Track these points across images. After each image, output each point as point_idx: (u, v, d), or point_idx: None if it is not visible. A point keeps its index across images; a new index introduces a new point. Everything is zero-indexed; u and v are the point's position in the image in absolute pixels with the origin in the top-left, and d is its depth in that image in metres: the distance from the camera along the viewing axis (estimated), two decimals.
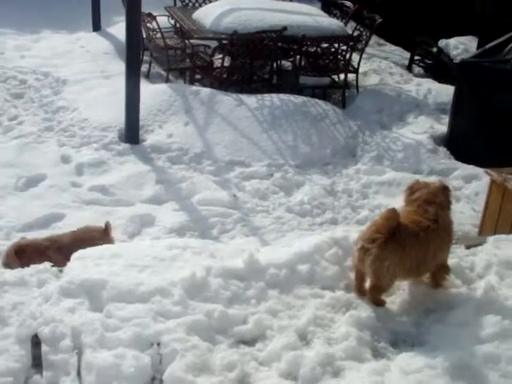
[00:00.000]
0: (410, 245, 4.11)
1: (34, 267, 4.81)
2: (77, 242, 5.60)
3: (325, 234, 4.99)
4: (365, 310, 4.12)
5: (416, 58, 12.22)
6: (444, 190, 4.46)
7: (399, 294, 4.37)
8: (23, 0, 13.58)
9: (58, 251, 5.58)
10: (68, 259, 5.17)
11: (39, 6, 13.40)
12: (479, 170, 7.64)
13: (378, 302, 4.19)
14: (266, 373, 3.63)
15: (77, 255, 4.90)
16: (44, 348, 3.69)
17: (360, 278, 4.29)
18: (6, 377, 3.44)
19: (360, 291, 4.28)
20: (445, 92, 10.15)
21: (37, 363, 3.65)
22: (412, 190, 4.53)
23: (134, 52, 8.03)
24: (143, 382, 3.53)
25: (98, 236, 5.73)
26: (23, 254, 5.50)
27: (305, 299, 4.23)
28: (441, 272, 4.40)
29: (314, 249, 4.57)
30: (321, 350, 3.73)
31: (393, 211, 4.14)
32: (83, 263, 4.49)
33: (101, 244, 5.45)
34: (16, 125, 8.54)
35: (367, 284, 4.27)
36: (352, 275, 4.38)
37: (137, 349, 3.67)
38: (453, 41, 11.50)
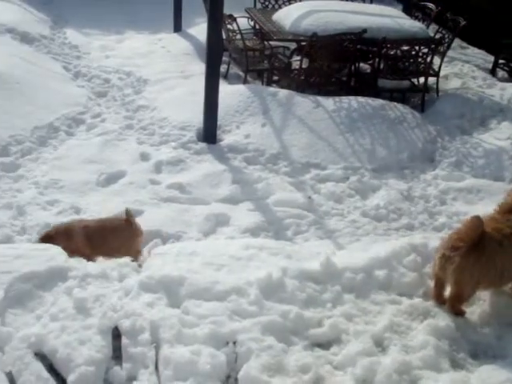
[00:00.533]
0: (493, 253, 4.03)
1: (115, 261, 4.92)
2: (101, 230, 5.71)
3: (402, 239, 4.95)
4: (443, 319, 4.07)
5: (500, 61, 11.85)
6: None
7: (480, 305, 4.28)
8: (108, 2, 13.87)
9: (84, 236, 5.62)
10: (91, 245, 5.45)
11: (123, 8, 13.67)
12: None
13: (457, 312, 4.12)
14: (341, 377, 3.62)
15: (157, 251, 5.01)
16: (124, 340, 3.77)
17: (439, 286, 4.22)
18: (89, 366, 3.52)
19: (439, 299, 4.22)
20: None
21: (117, 355, 3.73)
22: (509, 194, 4.46)
23: (215, 53, 8.08)
24: (218, 380, 3.56)
25: (122, 227, 5.77)
26: (50, 241, 5.59)
27: (381, 305, 4.22)
28: None
29: (391, 254, 4.55)
30: (397, 357, 3.70)
31: (477, 219, 4.06)
32: (163, 259, 4.57)
33: (125, 234, 5.67)
34: (99, 122, 8.71)
35: (447, 292, 4.20)
36: (431, 283, 4.32)
37: (213, 346, 3.72)
38: None
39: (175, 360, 3.59)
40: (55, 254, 4.52)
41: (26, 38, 10.98)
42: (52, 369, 3.57)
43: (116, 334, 3.82)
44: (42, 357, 3.62)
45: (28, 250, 4.53)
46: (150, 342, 3.75)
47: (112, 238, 5.62)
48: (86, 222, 5.78)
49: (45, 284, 4.13)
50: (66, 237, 5.41)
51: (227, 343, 3.76)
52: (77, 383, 3.46)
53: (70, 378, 3.48)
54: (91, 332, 3.76)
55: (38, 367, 3.53)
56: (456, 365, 3.75)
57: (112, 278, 4.42)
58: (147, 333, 3.79)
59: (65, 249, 5.04)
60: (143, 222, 6.28)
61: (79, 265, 4.46)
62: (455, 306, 4.13)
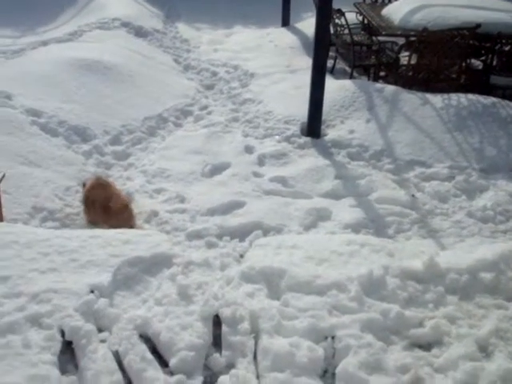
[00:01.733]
0: None
1: (217, 251, 4.98)
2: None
3: (511, 242, 4.80)
4: None
5: None
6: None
7: None
8: None
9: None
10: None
11: (233, 3, 13.86)
12: None
13: None
14: (441, 380, 3.56)
15: (258, 243, 5.03)
16: (224, 328, 3.82)
17: None
18: (190, 351, 3.59)
19: None
20: None
21: (216, 342, 3.78)
22: None
23: (322, 47, 8.03)
24: (315, 374, 3.56)
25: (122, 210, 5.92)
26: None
27: (487, 309, 4.11)
28: None
29: (499, 257, 4.44)
30: (503, 364, 3.60)
31: None
32: (264, 251, 4.58)
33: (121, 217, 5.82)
34: (206, 114, 8.83)
35: None
36: None
37: (311, 340, 3.72)
38: None
39: (274, 351, 3.60)
40: (160, 240, 4.61)
41: (140, 32, 11.30)
42: (155, 351, 3.66)
43: (216, 322, 3.88)
44: (146, 339, 3.71)
45: (134, 235, 4.64)
46: (249, 331, 3.79)
47: None
48: None
49: (150, 269, 4.22)
50: None
51: (326, 338, 3.75)
52: (178, 366, 3.52)
53: (172, 361, 3.55)
54: (193, 318, 3.82)
55: (143, 348, 3.62)
56: None
57: (214, 267, 4.49)
58: (247, 322, 3.83)
59: None
60: (246, 215, 6.35)
61: (183, 253, 4.52)
62: None
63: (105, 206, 5.79)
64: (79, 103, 8.17)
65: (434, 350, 3.78)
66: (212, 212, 6.47)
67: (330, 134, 8.13)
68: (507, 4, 10.49)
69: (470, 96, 8.80)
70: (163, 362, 3.60)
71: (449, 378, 3.56)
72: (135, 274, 4.14)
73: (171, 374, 3.50)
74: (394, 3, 10.46)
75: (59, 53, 9.25)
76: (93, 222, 5.97)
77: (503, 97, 9.15)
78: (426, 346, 3.82)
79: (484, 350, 3.77)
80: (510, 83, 9.62)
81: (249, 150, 7.82)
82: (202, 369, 3.59)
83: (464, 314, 4.04)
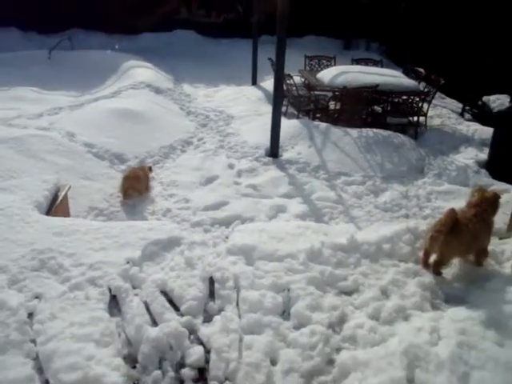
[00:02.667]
0: (463, 233, 3.96)
1: (210, 234, 4.96)
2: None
3: (401, 224, 4.88)
4: (428, 277, 4.03)
5: (466, 107, 11.69)
6: (493, 197, 4.28)
7: (452, 268, 4.20)
8: (209, 67, 14.08)
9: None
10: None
11: (219, 70, 13.86)
12: (509, 186, 7.23)
13: (438, 272, 4.05)
14: (358, 314, 3.63)
15: (238, 228, 5.05)
16: (216, 286, 3.82)
17: (427, 256, 4.15)
18: (194, 301, 3.62)
19: (426, 265, 4.15)
20: (486, 132, 9.58)
21: (212, 295, 3.78)
22: (472, 194, 4.39)
23: (279, 99, 8.09)
24: (277, 313, 3.59)
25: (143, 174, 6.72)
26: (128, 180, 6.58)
27: (387, 267, 4.18)
28: (482, 254, 4.22)
29: (394, 234, 4.51)
30: (396, 301, 3.69)
31: (452, 210, 4.00)
32: (242, 234, 4.59)
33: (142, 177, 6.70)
34: (202, 144, 8.82)
35: (431, 260, 4.13)
36: (421, 253, 4.25)
37: (274, 291, 3.75)
38: (492, 97, 10.99)
39: (249, 299, 3.63)
40: (173, 228, 4.59)
41: (158, 90, 11.22)
42: (171, 301, 3.65)
43: (211, 282, 3.88)
44: (164, 293, 3.71)
45: (156, 225, 4.62)
46: (233, 287, 3.81)
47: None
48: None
49: (166, 247, 4.22)
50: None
51: (283, 290, 3.78)
52: (187, 311, 3.55)
53: (182, 307, 3.57)
54: (195, 279, 3.82)
55: (162, 300, 3.62)
56: (435, 307, 3.73)
57: (209, 245, 4.48)
58: (231, 281, 3.84)
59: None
60: (230, 210, 6.37)
61: (188, 236, 4.51)
62: (437, 269, 4.06)
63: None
64: (118, 138, 8.12)
65: (354, 295, 3.84)
66: (207, 208, 6.49)
67: (285, 155, 8.16)
68: (395, 72, 10.69)
69: (375, 130, 8.92)
70: (176, 308, 3.59)
71: (363, 312, 3.63)
72: (156, 250, 4.13)
73: (182, 315, 3.51)
74: (324, 70, 10.51)
75: (105, 105, 9.20)
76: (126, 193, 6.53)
77: (395, 130, 9.29)
78: (349, 293, 3.87)
79: (385, 293, 3.84)
80: (398, 122, 9.82)
81: (231, 166, 7.84)
82: (203, 312, 3.61)
83: (372, 271, 4.10)
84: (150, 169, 7.23)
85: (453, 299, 3.83)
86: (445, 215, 4.04)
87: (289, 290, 3.75)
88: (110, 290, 3.65)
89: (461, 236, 3.99)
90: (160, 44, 15.92)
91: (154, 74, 12.38)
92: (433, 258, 4.14)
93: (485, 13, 12.39)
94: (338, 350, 3.33)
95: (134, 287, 3.74)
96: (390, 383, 2.94)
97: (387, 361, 3.10)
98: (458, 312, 3.51)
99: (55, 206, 5.01)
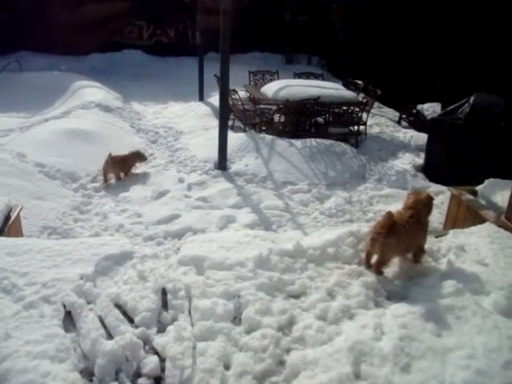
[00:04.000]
0: (400, 234, 4.08)
1: (162, 247, 4.92)
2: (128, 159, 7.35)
3: (345, 228, 4.97)
4: (370, 277, 4.09)
5: (403, 116, 12.16)
6: (427, 199, 4.42)
7: (392, 267, 4.31)
8: (158, 85, 14.00)
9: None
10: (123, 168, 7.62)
11: (167, 88, 13.82)
12: (444, 188, 7.51)
13: (379, 272, 4.15)
14: (306, 315, 3.65)
15: (188, 240, 5.01)
16: (169, 296, 3.79)
17: (369, 257, 4.26)
18: (147, 312, 3.56)
19: (368, 265, 4.25)
20: (422, 138, 10.00)
21: (164, 305, 3.74)
22: (408, 197, 4.52)
23: (225, 114, 8.16)
24: (229, 320, 3.58)
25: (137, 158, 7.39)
26: (114, 164, 7.65)
27: (331, 270, 4.22)
28: (419, 252, 4.35)
29: (337, 238, 4.55)
30: (342, 302, 3.73)
31: (389, 213, 4.13)
32: (192, 245, 4.57)
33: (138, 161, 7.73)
34: (152, 159, 8.77)
35: (373, 260, 4.24)
36: (363, 255, 4.34)
37: (225, 299, 3.73)
38: (426, 105, 11.51)
39: (201, 308, 3.61)
40: (125, 242, 4.51)
41: (107, 109, 11.08)
42: (125, 314, 3.60)
43: (163, 293, 3.83)
44: (118, 306, 3.64)
45: (108, 240, 4.54)
46: (185, 296, 3.78)
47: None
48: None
49: (119, 261, 4.15)
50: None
51: (234, 297, 3.78)
52: (141, 322, 3.49)
53: (137, 319, 3.52)
54: (148, 291, 3.77)
55: (117, 313, 3.56)
56: (378, 305, 3.79)
57: (161, 257, 4.43)
58: (183, 291, 3.81)
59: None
60: (181, 223, 6.34)
61: (140, 249, 4.47)
62: (378, 268, 4.16)
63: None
64: (69, 157, 7.99)
65: (302, 298, 3.85)
66: (159, 222, 6.45)
67: (233, 167, 8.22)
68: (336, 85, 10.99)
69: (318, 140, 9.12)
70: (131, 320, 3.54)
71: (311, 313, 3.65)
72: (109, 265, 4.06)
73: (136, 327, 3.48)
74: (267, 85, 10.69)
75: (56, 126, 9.02)
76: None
77: (337, 140, 9.54)
78: (297, 296, 3.88)
79: (331, 294, 3.87)
80: (340, 131, 10.08)
81: (181, 180, 7.83)
82: (157, 323, 3.57)
83: (318, 274, 4.13)
84: (142, 157, 7.89)
85: (394, 296, 3.91)
86: (383, 218, 4.17)
87: (239, 296, 3.75)
88: (64, 307, 3.57)
89: (399, 236, 4.11)
90: (108, 64, 15.75)
91: (104, 93, 12.20)
92: (374, 258, 4.26)
93: (416, 29, 12.96)
94: (288, 350, 3.35)
95: (88, 302, 3.66)
96: (338, 379, 2.99)
97: (335, 358, 3.16)
98: (400, 308, 3.59)
99: (7, 226, 4.87)
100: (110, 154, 7.41)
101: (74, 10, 15.46)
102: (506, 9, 10.67)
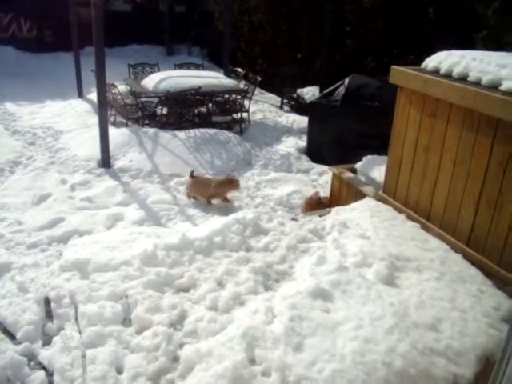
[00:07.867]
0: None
1: (45, 254, 4.62)
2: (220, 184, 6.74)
3: (230, 216, 4.99)
4: (258, 262, 4.15)
5: (284, 100, 12.39)
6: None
7: (279, 250, 4.38)
8: (32, 81, 13.03)
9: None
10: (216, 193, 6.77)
11: (43, 85, 12.90)
12: (326, 168, 7.76)
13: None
14: (197, 308, 3.63)
15: (71, 243, 4.77)
16: (52, 305, 3.60)
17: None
18: (30, 325, 3.39)
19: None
20: (303, 121, 10.31)
21: (49, 315, 3.57)
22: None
23: (104, 110, 7.80)
24: (118, 322, 3.47)
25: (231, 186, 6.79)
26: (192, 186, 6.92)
27: (220, 259, 4.24)
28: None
29: (223, 226, 4.59)
30: (231, 290, 3.75)
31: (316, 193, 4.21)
32: (74, 248, 4.36)
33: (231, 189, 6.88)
34: (31, 162, 8.10)
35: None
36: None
37: (112, 301, 3.62)
38: (305, 89, 11.78)
39: (88, 313, 3.46)
40: (1, 254, 4.20)
41: None
42: (6, 330, 3.36)
43: (47, 302, 3.64)
44: None
45: None
46: (70, 304, 3.60)
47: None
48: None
49: None
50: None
51: (122, 297, 3.67)
52: (24, 337, 3.30)
53: (18, 335, 3.32)
54: (30, 303, 3.57)
55: None
56: (267, 288, 3.86)
57: (42, 265, 4.19)
58: (67, 298, 3.63)
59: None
60: (66, 226, 5.98)
61: (18, 259, 4.17)
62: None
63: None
64: None
65: (192, 291, 3.83)
66: (42, 228, 5.98)
67: (117, 164, 7.91)
68: (216, 74, 10.98)
69: (202, 130, 9.06)
70: (12, 337, 3.31)
71: (201, 305, 3.63)
72: None
73: (19, 343, 3.24)
74: (148, 77, 10.36)
75: None
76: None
77: (222, 128, 9.56)
78: (186, 289, 3.85)
79: (220, 284, 3.89)
80: (223, 120, 10.09)
81: (63, 182, 7.35)
82: (41, 335, 3.37)
83: (207, 265, 4.12)
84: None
85: (282, 278, 4.00)
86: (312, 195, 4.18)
87: (127, 296, 3.64)
88: None
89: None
90: None
91: None
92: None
93: (293, 14, 13.22)
94: (182, 345, 3.29)
95: None
96: (233, 367, 2.98)
97: (228, 346, 3.15)
98: (288, 289, 3.66)
99: None
100: None
101: None
102: None
